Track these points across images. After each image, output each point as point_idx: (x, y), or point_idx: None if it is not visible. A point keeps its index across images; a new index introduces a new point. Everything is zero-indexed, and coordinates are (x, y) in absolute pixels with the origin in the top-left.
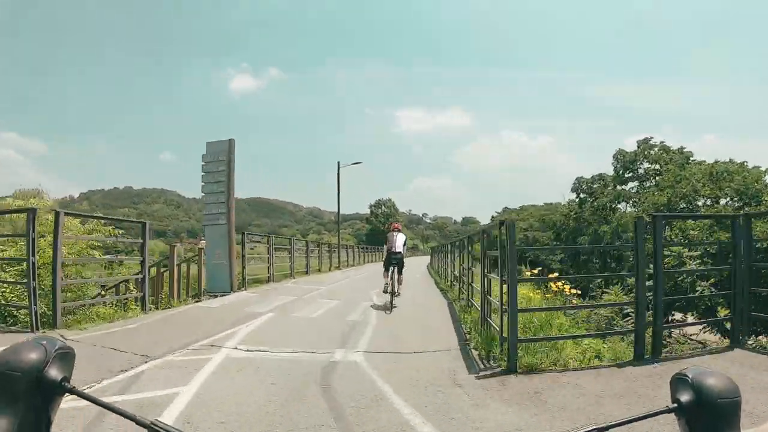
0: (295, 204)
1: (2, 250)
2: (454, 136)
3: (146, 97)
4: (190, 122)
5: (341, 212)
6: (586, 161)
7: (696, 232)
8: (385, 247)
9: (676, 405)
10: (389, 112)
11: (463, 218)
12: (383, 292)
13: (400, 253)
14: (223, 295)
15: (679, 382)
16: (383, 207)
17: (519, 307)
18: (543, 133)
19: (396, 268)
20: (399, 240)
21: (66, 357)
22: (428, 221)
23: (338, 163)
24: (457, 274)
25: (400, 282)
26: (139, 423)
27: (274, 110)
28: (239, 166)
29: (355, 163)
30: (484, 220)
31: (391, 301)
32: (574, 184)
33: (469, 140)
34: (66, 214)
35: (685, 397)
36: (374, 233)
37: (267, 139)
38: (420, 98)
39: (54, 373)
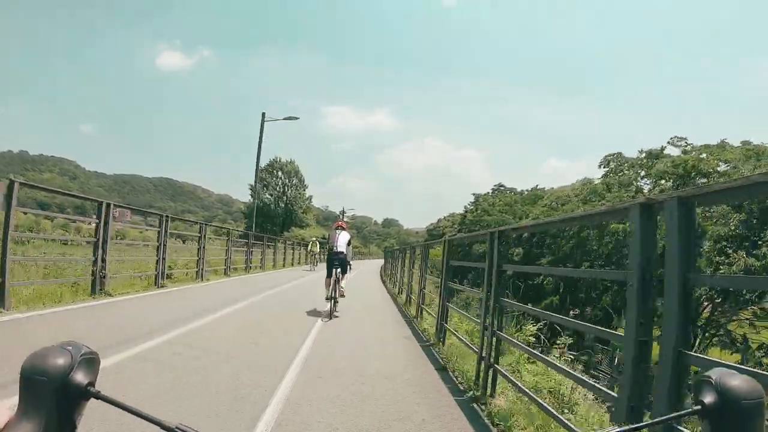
0: (205, 189)
1: None
2: (380, 138)
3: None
4: (117, 94)
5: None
6: (503, 175)
7: None
8: (327, 246)
9: (699, 407)
10: (315, 106)
11: (384, 219)
12: (326, 299)
13: (342, 252)
14: None
15: (702, 383)
16: (281, 172)
17: None
18: (465, 145)
19: (338, 270)
20: (341, 238)
21: (91, 362)
22: (347, 219)
23: (263, 113)
24: None
25: (342, 287)
26: (164, 428)
27: (198, 90)
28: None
29: (288, 118)
30: (407, 224)
31: (332, 308)
32: None
33: (394, 144)
34: None
35: (708, 398)
36: (261, 216)
37: (188, 119)
38: (348, 97)
39: (80, 378)
